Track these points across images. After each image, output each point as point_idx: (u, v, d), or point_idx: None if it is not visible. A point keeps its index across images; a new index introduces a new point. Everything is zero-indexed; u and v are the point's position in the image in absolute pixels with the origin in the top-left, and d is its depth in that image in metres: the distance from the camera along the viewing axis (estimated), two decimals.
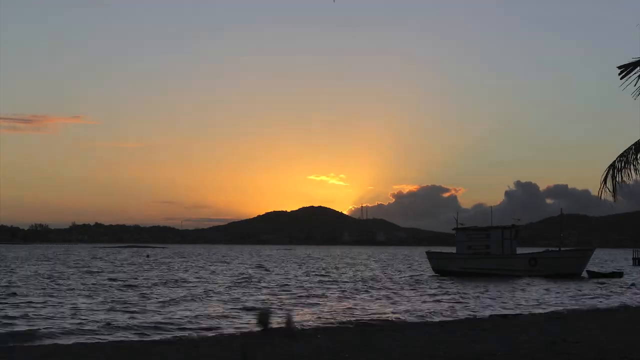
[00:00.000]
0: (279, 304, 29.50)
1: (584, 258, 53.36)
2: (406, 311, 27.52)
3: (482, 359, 13.33)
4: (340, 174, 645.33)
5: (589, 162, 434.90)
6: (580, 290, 39.29)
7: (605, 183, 13.61)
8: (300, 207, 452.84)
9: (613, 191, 13.54)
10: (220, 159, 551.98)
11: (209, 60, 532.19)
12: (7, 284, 39.31)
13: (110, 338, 19.22)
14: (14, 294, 32.74)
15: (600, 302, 32.82)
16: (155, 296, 32.43)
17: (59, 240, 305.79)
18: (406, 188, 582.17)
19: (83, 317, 23.43)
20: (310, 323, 22.72)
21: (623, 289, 42.10)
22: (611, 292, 39.38)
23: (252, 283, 43.76)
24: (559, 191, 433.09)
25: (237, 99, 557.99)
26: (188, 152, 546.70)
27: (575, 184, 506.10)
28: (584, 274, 53.06)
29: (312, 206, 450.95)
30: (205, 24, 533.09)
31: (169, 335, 19.68)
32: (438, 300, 32.36)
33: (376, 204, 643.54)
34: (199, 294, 34.11)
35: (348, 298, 33.57)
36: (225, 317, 24.35)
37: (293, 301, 31.20)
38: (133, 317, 23.69)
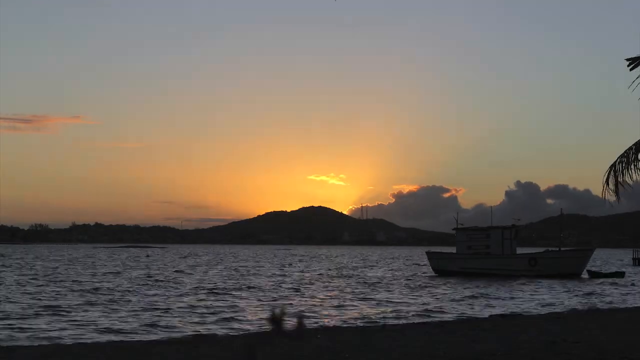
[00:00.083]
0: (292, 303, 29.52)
1: (584, 258, 53.33)
2: (406, 311, 27.53)
3: (482, 359, 13.32)
4: (340, 174, 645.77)
5: (589, 162, 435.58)
6: (581, 290, 39.29)
7: (608, 184, 13.62)
8: (300, 207, 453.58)
9: (616, 191, 13.55)
10: (220, 159, 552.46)
11: (209, 60, 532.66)
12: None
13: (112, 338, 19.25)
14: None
15: (601, 302, 32.82)
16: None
17: (59, 240, 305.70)
18: (406, 188, 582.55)
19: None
20: (310, 323, 22.73)
21: (624, 288, 42.10)
22: (611, 292, 39.38)
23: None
24: (560, 191, 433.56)
25: (237, 99, 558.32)
26: (188, 152, 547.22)
27: (575, 184, 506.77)
28: (585, 274, 53.05)
29: (312, 206, 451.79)
30: (205, 24, 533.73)
31: (168, 335, 19.70)
32: (438, 300, 32.36)
33: (376, 204, 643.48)
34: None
35: (349, 298, 33.58)
36: None
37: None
38: None
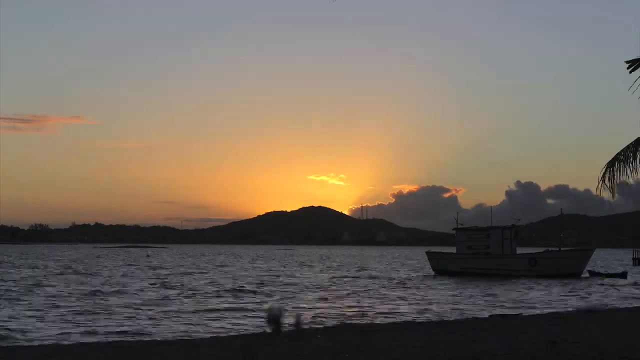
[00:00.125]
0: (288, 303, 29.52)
1: (584, 258, 53.35)
2: (406, 311, 27.53)
3: (482, 359, 13.32)
4: (340, 174, 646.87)
5: (590, 162, 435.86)
6: (582, 291, 39.29)
7: (604, 181, 13.63)
8: (300, 207, 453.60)
9: (612, 189, 13.55)
10: (220, 159, 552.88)
11: (209, 60, 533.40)
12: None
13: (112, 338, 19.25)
14: None
15: (601, 302, 32.81)
16: None
17: (59, 240, 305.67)
18: (406, 188, 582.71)
19: None
20: (310, 323, 22.73)
21: (624, 288, 42.10)
22: (612, 292, 39.38)
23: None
24: (560, 191, 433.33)
25: (237, 99, 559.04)
26: (188, 152, 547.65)
27: (576, 184, 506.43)
28: (586, 274, 53.07)
29: (312, 206, 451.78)
30: (205, 24, 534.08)
31: (168, 336, 19.70)
32: (438, 300, 32.36)
33: (376, 204, 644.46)
34: None
35: (348, 298, 33.59)
36: None
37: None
38: None
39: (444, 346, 15.03)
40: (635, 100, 12.90)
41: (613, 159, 13.80)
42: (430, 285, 43.26)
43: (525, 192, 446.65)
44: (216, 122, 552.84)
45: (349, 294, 36.33)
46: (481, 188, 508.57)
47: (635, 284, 46.43)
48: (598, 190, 13.72)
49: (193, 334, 20.23)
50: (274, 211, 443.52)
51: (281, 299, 32.68)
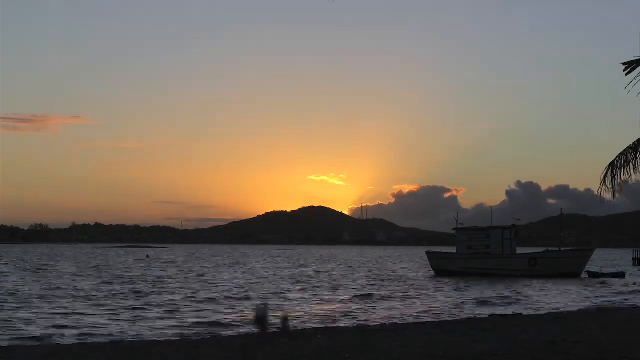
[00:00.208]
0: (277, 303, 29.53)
1: (584, 258, 53.35)
2: (406, 311, 27.53)
3: (482, 359, 13.32)
4: (340, 174, 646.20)
5: (590, 162, 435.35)
6: (582, 291, 39.30)
7: (605, 182, 13.63)
8: (300, 207, 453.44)
9: (612, 190, 13.56)
10: (220, 159, 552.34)
11: (209, 60, 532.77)
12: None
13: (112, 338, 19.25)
14: None
15: (600, 302, 32.82)
16: None
17: (59, 240, 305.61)
18: (406, 188, 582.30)
19: None
20: (310, 323, 22.74)
21: (624, 289, 42.10)
22: (612, 292, 39.39)
23: None
24: (561, 191, 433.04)
25: (237, 99, 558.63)
26: (188, 152, 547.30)
27: (576, 184, 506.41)
28: (584, 274, 53.07)
29: (312, 206, 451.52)
30: (205, 24, 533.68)
31: (169, 335, 19.70)
32: (438, 300, 32.37)
33: (376, 203, 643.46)
34: None
35: (350, 298, 33.60)
36: None
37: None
38: None
39: (444, 346, 15.03)
40: (636, 100, 12.91)
41: (614, 159, 13.80)
42: (430, 285, 43.23)
43: (526, 192, 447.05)
44: (216, 122, 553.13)
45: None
46: (481, 188, 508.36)
47: (634, 284, 46.42)
48: (599, 191, 13.72)
49: (193, 334, 20.25)
50: (274, 211, 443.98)
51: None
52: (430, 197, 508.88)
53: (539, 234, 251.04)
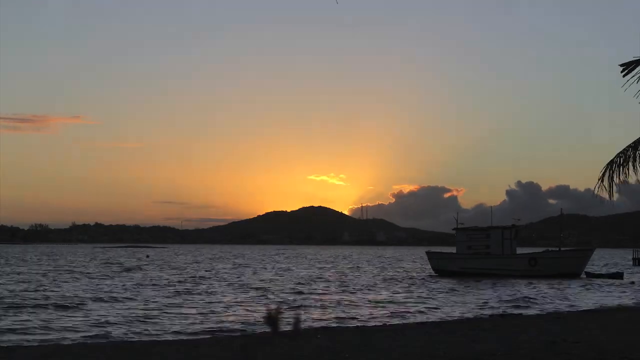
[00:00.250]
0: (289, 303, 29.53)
1: (584, 258, 53.32)
2: (406, 311, 27.53)
3: (482, 359, 13.32)
4: (340, 174, 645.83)
5: (590, 162, 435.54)
6: (582, 290, 39.30)
7: (603, 181, 13.64)
8: (300, 207, 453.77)
9: (610, 189, 13.57)
10: (220, 159, 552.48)
11: (209, 60, 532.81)
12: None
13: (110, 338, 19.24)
14: None
15: (600, 302, 32.83)
16: None
17: (59, 240, 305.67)
18: (406, 188, 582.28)
19: None
20: (310, 323, 22.74)
21: (623, 288, 42.09)
22: (611, 292, 39.38)
23: None
24: (561, 191, 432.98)
25: (237, 99, 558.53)
26: (188, 152, 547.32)
27: (577, 184, 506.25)
28: (583, 275, 53.05)
29: (312, 206, 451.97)
30: (205, 24, 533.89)
31: (168, 336, 19.70)
32: (438, 300, 32.37)
33: (376, 203, 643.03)
34: None
35: (349, 298, 33.59)
36: None
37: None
38: None
39: (444, 346, 15.03)
40: (636, 100, 12.91)
41: (613, 159, 13.81)
42: (430, 285, 43.23)
43: (526, 192, 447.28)
44: (216, 122, 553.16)
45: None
46: (481, 188, 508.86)
47: (632, 283, 46.39)
48: (597, 190, 13.74)
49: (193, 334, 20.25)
50: (274, 211, 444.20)
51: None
52: (430, 197, 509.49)
53: (539, 234, 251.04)
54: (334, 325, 22.42)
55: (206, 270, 62.04)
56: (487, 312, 27.08)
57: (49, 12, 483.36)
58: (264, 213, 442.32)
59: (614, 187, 13.57)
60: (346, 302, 30.78)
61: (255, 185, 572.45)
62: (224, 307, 28.11)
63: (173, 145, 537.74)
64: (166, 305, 28.23)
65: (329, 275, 55.42)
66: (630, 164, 13.44)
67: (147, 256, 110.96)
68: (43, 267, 66.29)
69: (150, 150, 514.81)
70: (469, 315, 26.06)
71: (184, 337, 19.22)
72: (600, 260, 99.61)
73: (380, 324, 22.84)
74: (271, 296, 34.18)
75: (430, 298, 33.84)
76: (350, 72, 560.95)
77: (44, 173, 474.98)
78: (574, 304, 31.51)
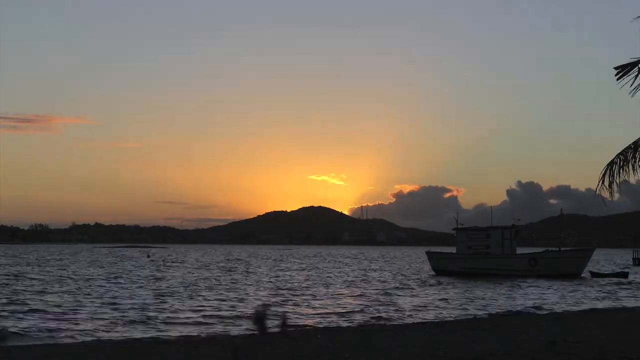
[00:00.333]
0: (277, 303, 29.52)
1: (584, 258, 53.33)
2: (406, 311, 27.51)
3: (482, 359, 13.33)
4: (340, 174, 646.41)
5: (590, 162, 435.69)
6: (583, 291, 39.28)
7: (604, 181, 13.61)
8: (300, 207, 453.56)
9: (611, 190, 13.54)
10: (220, 159, 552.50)
11: (209, 60, 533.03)
12: None
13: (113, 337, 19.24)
14: None
15: (601, 302, 32.82)
16: None
17: (59, 240, 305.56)
18: (406, 188, 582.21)
19: None
20: (310, 323, 22.74)
21: (624, 289, 42.09)
22: (612, 292, 39.37)
23: None
24: (562, 192, 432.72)
25: (237, 99, 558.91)
26: (188, 152, 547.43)
27: (577, 184, 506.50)
28: (587, 274, 53.04)
29: (312, 206, 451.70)
30: (205, 24, 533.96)
31: (169, 336, 19.69)
32: (438, 300, 32.35)
33: (376, 203, 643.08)
34: None
35: (350, 298, 33.60)
36: None
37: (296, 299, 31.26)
38: None
39: (444, 346, 15.04)
40: (636, 100, 12.89)
41: (613, 159, 13.78)
42: (430, 285, 43.21)
43: (527, 192, 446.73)
44: (216, 122, 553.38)
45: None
46: (482, 188, 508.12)
47: (630, 283, 46.41)
48: (598, 190, 13.71)
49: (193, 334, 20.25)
50: (274, 211, 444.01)
51: None
52: (431, 197, 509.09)
53: (539, 234, 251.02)
54: (333, 325, 22.41)
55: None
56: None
57: (49, 12, 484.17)
58: (264, 213, 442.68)
59: (615, 188, 13.55)
60: None
61: (255, 185, 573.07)
62: None
63: (173, 145, 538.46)
64: None
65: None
66: (630, 165, 13.42)
67: (148, 256, 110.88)
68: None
69: (150, 150, 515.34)
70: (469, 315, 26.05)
71: (184, 337, 19.21)
72: (603, 260, 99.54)
73: (381, 324, 22.84)
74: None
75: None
76: (350, 72, 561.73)
77: (44, 173, 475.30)
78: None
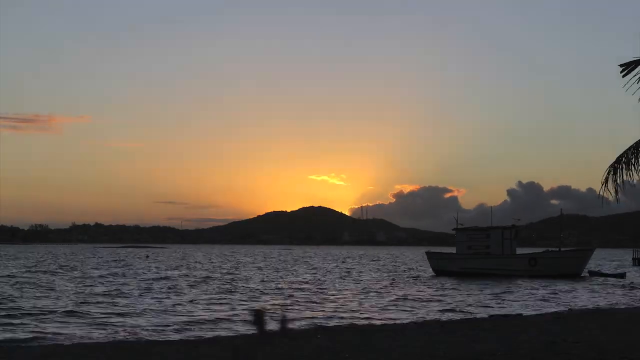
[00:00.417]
0: (279, 303, 29.52)
1: (584, 258, 53.34)
2: (406, 311, 27.53)
3: (482, 359, 13.32)
4: (340, 174, 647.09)
5: (591, 162, 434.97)
6: (582, 290, 39.28)
7: (607, 183, 13.62)
8: (300, 207, 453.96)
9: (615, 191, 13.55)
10: (220, 159, 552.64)
11: (209, 60, 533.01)
12: None
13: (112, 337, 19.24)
14: None
15: (600, 302, 32.81)
16: None
17: (59, 240, 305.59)
18: (406, 188, 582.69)
19: None
20: (310, 323, 22.74)
21: (624, 289, 42.09)
22: (612, 292, 39.37)
23: None
24: (563, 192, 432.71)
25: (237, 99, 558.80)
26: (188, 152, 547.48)
27: (578, 184, 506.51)
28: (586, 274, 53.05)
29: (312, 206, 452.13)
30: (205, 24, 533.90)
31: (170, 335, 19.70)
32: (438, 300, 32.36)
33: (376, 203, 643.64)
34: None
35: (350, 298, 33.60)
36: None
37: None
38: None
39: (444, 346, 15.03)
40: (636, 101, 12.90)
41: (616, 160, 13.79)
42: (430, 285, 43.23)
43: (527, 193, 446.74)
44: (216, 122, 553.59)
45: None
46: (482, 188, 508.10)
47: (631, 283, 46.41)
48: (600, 192, 13.72)
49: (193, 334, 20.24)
50: (274, 211, 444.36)
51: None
52: (431, 197, 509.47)
53: (539, 234, 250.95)
54: (333, 325, 22.41)
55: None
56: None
57: (49, 12, 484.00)
58: (264, 213, 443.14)
59: (619, 190, 13.55)
60: None
61: (255, 185, 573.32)
62: None
63: (173, 145, 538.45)
64: None
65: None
66: (632, 166, 13.43)
67: (147, 256, 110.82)
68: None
69: (150, 150, 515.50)
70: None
71: (184, 337, 19.21)
72: (603, 260, 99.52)
73: (381, 324, 22.83)
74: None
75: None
76: (351, 72, 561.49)
77: (44, 173, 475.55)
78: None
